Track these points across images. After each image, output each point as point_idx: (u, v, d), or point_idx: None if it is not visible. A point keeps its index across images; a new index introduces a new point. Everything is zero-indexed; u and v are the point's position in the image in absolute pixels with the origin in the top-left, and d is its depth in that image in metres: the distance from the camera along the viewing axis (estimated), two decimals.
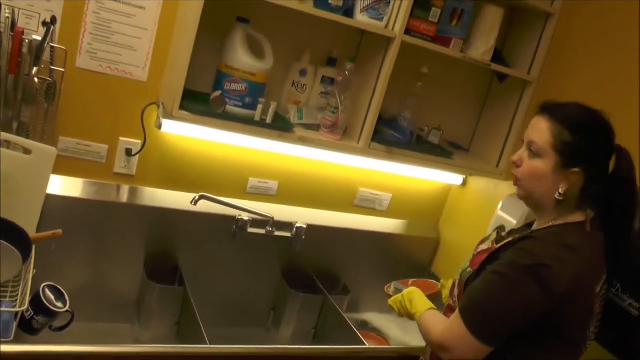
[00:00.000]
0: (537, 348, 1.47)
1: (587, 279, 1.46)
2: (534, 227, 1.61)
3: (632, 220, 1.51)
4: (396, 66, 2.06)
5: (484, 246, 1.66)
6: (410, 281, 1.92)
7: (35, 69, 1.72)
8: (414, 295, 1.68)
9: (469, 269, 1.60)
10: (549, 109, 1.52)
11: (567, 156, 1.46)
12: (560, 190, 1.48)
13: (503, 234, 1.72)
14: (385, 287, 1.90)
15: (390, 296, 1.78)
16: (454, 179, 2.64)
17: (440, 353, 1.52)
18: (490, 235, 1.73)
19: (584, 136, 1.46)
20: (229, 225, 2.20)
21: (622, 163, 1.49)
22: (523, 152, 1.54)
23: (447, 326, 1.50)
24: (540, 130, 1.50)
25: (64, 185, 2.00)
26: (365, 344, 2.07)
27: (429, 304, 1.65)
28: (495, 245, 1.60)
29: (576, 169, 1.46)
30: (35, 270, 1.54)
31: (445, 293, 1.87)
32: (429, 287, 1.84)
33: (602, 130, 1.49)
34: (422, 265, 2.68)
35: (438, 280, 2.02)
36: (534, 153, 1.50)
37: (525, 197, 1.56)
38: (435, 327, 1.54)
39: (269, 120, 1.96)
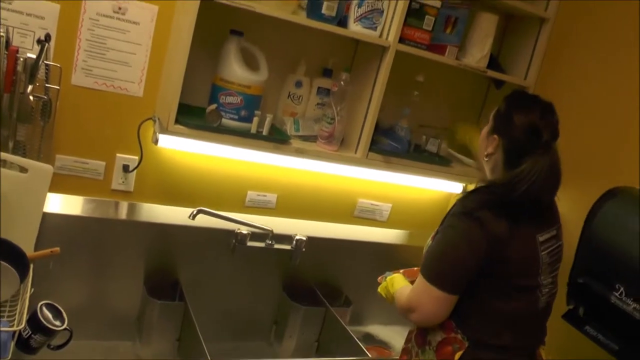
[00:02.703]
0: (494, 294, 1.58)
1: (522, 226, 1.55)
2: None
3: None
4: (392, 75, 2.06)
5: None
6: (401, 270, 1.94)
7: (30, 87, 1.71)
8: (395, 279, 1.81)
9: (430, 242, 1.70)
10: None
11: (494, 122, 1.66)
12: (485, 152, 1.66)
13: None
14: (379, 278, 1.94)
15: (380, 283, 1.88)
16: (454, 187, 2.63)
17: (409, 316, 1.63)
18: None
19: (508, 109, 1.63)
20: (228, 239, 2.19)
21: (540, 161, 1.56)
22: None
23: (412, 288, 1.65)
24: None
25: (61, 203, 2.00)
26: (368, 355, 2.06)
27: (406, 282, 1.78)
28: None
29: (495, 136, 1.63)
30: (33, 289, 1.53)
31: None
32: (416, 273, 1.87)
33: (526, 107, 1.63)
34: None
35: None
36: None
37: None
38: (403, 295, 1.67)
39: (265, 132, 1.97)
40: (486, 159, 1.67)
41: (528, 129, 1.58)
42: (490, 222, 1.52)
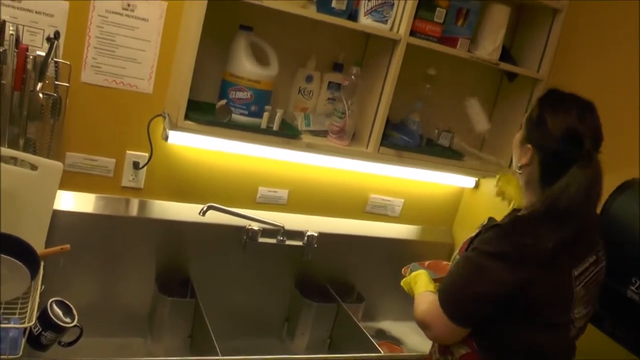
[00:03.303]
0: (522, 328, 1.50)
1: (557, 263, 1.46)
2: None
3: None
4: (403, 69, 2.04)
5: (472, 234, 1.70)
6: (427, 263, 1.92)
7: (39, 85, 1.72)
8: (420, 277, 1.74)
9: (457, 256, 1.66)
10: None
11: (527, 130, 1.52)
12: (519, 163, 1.53)
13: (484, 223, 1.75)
14: (404, 269, 1.90)
15: (404, 277, 1.83)
16: (466, 181, 2.61)
17: (423, 330, 1.59)
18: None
19: (543, 112, 1.48)
20: (239, 236, 2.19)
21: (587, 173, 1.42)
22: None
23: (428, 305, 1.57)
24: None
25: (72, 201, 2.00)
26: (381, 352, 2.04)
27: (429, 287, 1.69)
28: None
29: (529, 145, 1.50)
30: (43, 286, 1.54)
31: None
32: (443, 269, 1.85)
33: (569, 115, 1.46)
34: None
35: None
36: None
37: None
38: (421, 305, 1.61)
39: (275, 127, 1.95)
40: (520, 171, 1.54)
41: (565, 135, 1.43)
42: (520, 264, 1.43)
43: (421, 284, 1.71)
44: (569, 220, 1.42)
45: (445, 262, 1.96)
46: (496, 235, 1.48)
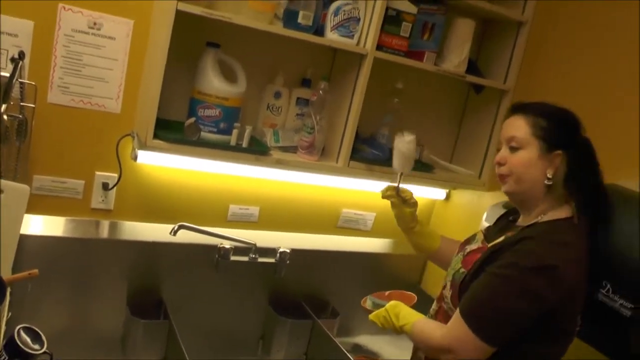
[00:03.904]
0: (537, 342, 1.48)
1: (584, 273, 1.49)
2: (520, 222, 1.62)
3: (609, 208, 1.56)
4: (371, 83, 2.05)
5: (474, 246, 1.67)
6: (387, 293, 1.89)
7: (4, 106, 1.69)
8: (399, 309, 1.67)
9: (461, 270, 1.60)
10: (519, 108, 1.60)
11: (548, 140, 1.51)
12: (548, 175, 1.51)
13: (482, 230, 1.74)
14: (362, 301, 1.86)
15: (369, 311, 1.75)
16: (437, 193, 2.63)
17: (442, 356, 1.52)
18: (475, 235, 1.74)
19: (557, 121, 1.54)
20: (211, 255, 2.17)
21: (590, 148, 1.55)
22: (504, 152, 1.58)
23: (448, 329, 1.51)
24: (518, 125, 1.56)
25: (40, 224, 1.96)
26: None
27: (417, 314, 1.64)
28: (487, 244, 1.61)
29: (558, 151, 1.51)
30: (10, 314, 1.50)
31: None
32: (407, 299, 1.80)
33: (572, 117, 1.56)
34: (410, 283, 2.65)
35: (415, 292, 1.97)
36: (516, 147, 1.55)
37: (515, 191, 1.58)
38: (434, 332, 1.55)
39: (245, 144, 1.95)
40: (549, 183, 1.52)
41: (581, 128, 1.54)
42: (560, 280, 1.41)
43: (407, 313, 1.65)
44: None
45: (407, 292, 1.92)
46: (537, 248, 1.45)
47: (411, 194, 1.92)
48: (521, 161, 1.54)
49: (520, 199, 1.60)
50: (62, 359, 1.57)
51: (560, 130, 1.52)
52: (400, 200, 1.91)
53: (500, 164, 1.58)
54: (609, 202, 1.57)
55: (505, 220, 1.73)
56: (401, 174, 1.91)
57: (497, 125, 2.38)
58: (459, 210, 2.62)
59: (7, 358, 1.43)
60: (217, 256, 2.16)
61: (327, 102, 2.05)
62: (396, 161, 1.92)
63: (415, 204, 1.92)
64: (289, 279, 2.32)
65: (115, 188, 2.06)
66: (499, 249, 1.52)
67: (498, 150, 1.62)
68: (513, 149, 1.55)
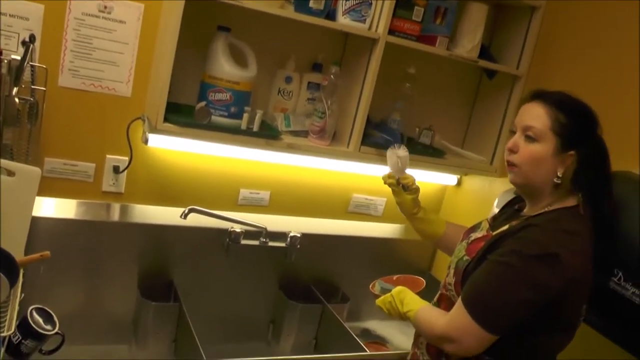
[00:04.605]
0: (539, 332, 1.47)
1: (589, 262, 1.47)
2: (526, 212, 1.60)
3: (612, 202, 1.55)
4: (382, 68, 2.04)
5: (478, 234, 1.65)
6: (395, 277, 1.88)
7: (15, 89, 1.69)
8: (405, 294, 1.66)
9: (465, 257, 1.59)
10: (540, 95, 1.54)
11: (565, 138, 1.47)
12: (558, 174, 1.49)
13: (488, 219, 1.72)
14: (370, 285, 1.84)
15: (377, 296, 1.74)
16: (448, 179, 2.62)
17: (444, 344, 1.52)
18: (480, 223, 1.72)
19: (577, 119, 1.49)
20: (222, 238, 2.17)
21: (603, 148, 1.53)
22: (518, 139, 1.54)
23: (450, 317, 1.50)
24: (537, 114, 1.51)
25: (52, 207, 1.98)
26: (367, 351, 2.04)
27: (422, 301, 1.64)
28: (491, 233, 1.60)
29: (572, 152, 1.48)
30: (23, 295, 1.51)
31: None
32: (415, 285, 1.79)
33: (591, 115, 1.52)
34: (420, 269, 2.65)
35: (425, 278, 1.94)
36: (532, 138, 1.50)
37: (521, 183, 1.55)
38: (437, 320, 1.54)
39: (255, 128, 1.95)
40: (559, 181, 1.50)
41: (598, 127, 1.51)
42: (563, 268, 1.40)
43: (411, 300, 1.64)
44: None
45: (416, 277, 1.91)
46: (541, 236, 1.45)
47: (413, 179, 1.91)
48: (533, 155, 1.50)
49: (527, 191, 1.58)
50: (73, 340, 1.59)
51: (578, 130, 1.48)
52: (401, 187, 1.90)
53: (511, 151, 1.54)
54: (613, 199, 1.54)
55: (511, 209, 1.71)
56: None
57: (509, 111, 2.36)
58: (470, 196, 2.61)
59: (20, 338, 1.45)
60: (227, 240, 2.17)
61: (339, 86, 2.04)
62: (390, 166, 1.92)
63: (416, 190, 1.91)
64: (299, 263, 2.32)
65: (126, 171, 2.06)
66: (502, 237, 1.51)
67: (512, 133, 1.58)
68: (528, 139, 1.51)
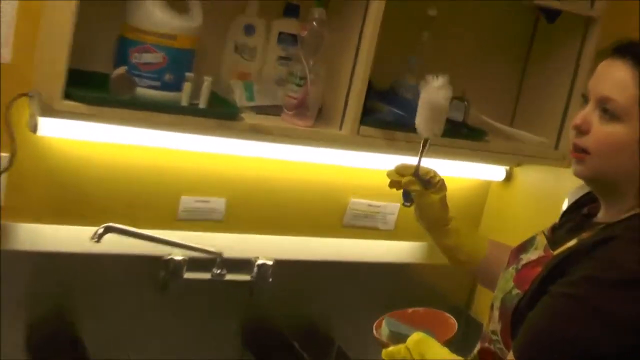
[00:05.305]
0: None
1: None
2: (600, 218, 1.63)
3: None
4: (388, 10, 2.06)
5: (532, 255, 1.67)
6: (411, 310, 1.88)
7: None
8: (427, 346, 1.62)
9: (515, 291, 1.61)
10: (630, 51, 1.53)
11: None
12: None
13: (545, 232, 1.73)
14: (374, 325, 1.81)
15: (384, 344, 1.71)
16: (492, 172, 2.65)
17: None
18: (534, 239, 1.74)
19: None
20: (155, 271, 2.19)
21: None
22: (590, 113, 1.55)
23: None
24: (620, 81, 1.51)
25: None
26: None
27: (453, 356, 1.61)
28: (551, 252, 1.62)
29: None
30: None
31: None
32: (443, 327, 1.79)
33: None
34: (455, 308, 2.64)
35: (459, 320, 1.92)
36: (612, 114, 1.51)
37: (592, 178, 1.58)
38: None
39: (202, 104, 1.97)
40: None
41: None
42: None
43: (436, 352, 1.61)
44: None
45: (442, 313, 1.89)
46: (624, 254, 1.45)
47: (434, 172, 1.89)
48: (612, 139, 1.51)
49: (601, 188, 1.61)
50: None
51: None
52: (422, 184, 1.87)
53: (580, 130, 1.55)
54: None
55: (578, 215, 1.73)
56: (427, 140, 1.89)
57: (581, 69, 2.39)
58: (527, 196, 2.63)
59: None
60: (163, 273, 2.18)
61: (325, 39, 2.06)
62: (420, 119, 1.90)
63: (443, 186, 1.89)
64: (271, 304, 2.34)
65: (4, 174, 2.07)
66: (568, 258, 1.52)
67: (585, 100, 1.59)
68: (605, 115, 1.52)
